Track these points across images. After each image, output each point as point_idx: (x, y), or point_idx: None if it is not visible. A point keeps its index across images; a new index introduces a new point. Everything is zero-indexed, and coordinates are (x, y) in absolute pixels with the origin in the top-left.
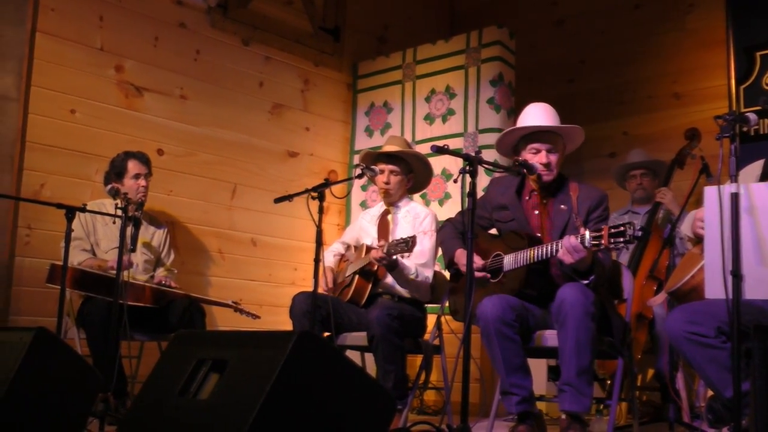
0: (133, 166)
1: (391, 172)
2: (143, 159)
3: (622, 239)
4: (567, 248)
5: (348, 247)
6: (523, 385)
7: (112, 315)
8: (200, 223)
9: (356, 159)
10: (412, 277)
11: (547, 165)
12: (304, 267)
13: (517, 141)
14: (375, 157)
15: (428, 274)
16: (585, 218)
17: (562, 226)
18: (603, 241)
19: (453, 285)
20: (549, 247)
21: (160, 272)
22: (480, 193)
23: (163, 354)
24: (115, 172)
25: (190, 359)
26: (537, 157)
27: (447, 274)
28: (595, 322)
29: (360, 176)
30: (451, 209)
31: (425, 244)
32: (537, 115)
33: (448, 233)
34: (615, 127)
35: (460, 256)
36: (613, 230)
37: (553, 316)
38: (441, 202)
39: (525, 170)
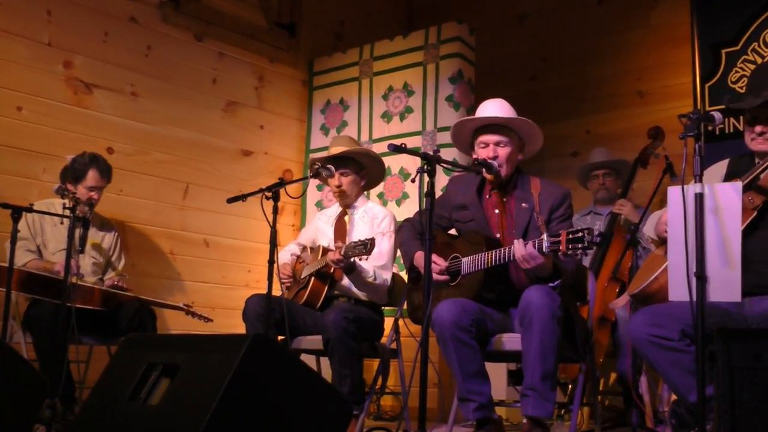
0: (92, 177)
1: (342, 174)
2: (106, 172)
3: (580, 245)
4: (522, 257)
5: (304, 249)
6: (481, 391)
7: (59, 318)
8: (151, 223)
9: (309, 160)
10: (370, 279)
11: (493, 159)
12: (258, 269)
13: (471, 137)
14: (322, 161)
15: (387, 276)
16: (547, 217)
17: (524, 225)
18: (561, 247)
19: (411, 286)
20: (507, 251)
21: (111, 275)
22: (438, 193)
23: (113, 358)
24: (74, 175)
25: (140, 364)
26: (485, 150)
27: (405, 276)
28: (561, 326)
29: (315, 176)
30: (409, 209)
31: (383, 245)
32: (489, 108)
33: (407, 234)
34: (577, 125)
35: (421, 257)
36: (571, 236)
37: (518, 318)
38: (399, 202)
39: (484, 168)
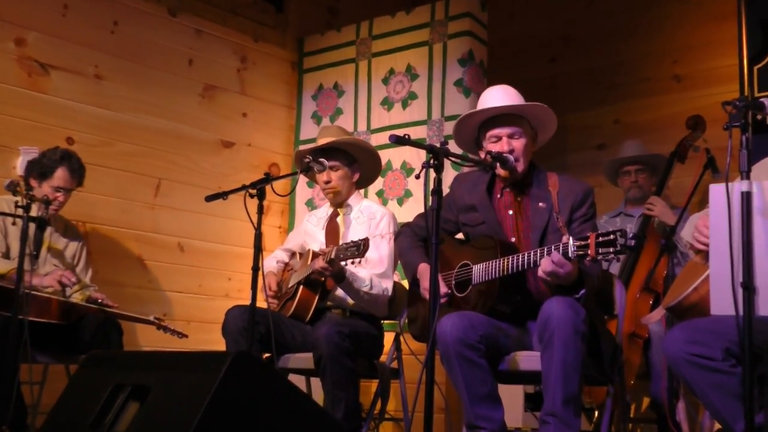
0: (60, 176)
1: (330, 168)
2: (77, 172)
3: (612, 250)
4: (551, 272)
5: (292, 255)
6: (492, 417)
7: (10, 333)
8: (118, 224)
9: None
10: (366, 289)
11: (509, 153)
12: (240, 276)
13: (476, 132)
14: (309, 153)
15: (387, 285)
16: (568, 217)
17: (541, 226)
18: (590, 252)
19: (412, 297)
20: (526, 258)
21: (79, 293)
22: (446, 191)
23: (72, 379)
24: (41, 170)
25: (105, 385)
26: (497, 145)
27: (407, 285)
28: (586, 342)
29: (306, 170)
30: (413, 209)
31: (382, 249)
32: (494, 97)
33: (407, 243)
34: (605, 114)
35: (425, 273)
36: (601, 238)
37: (538, 334)
38: (400, 201)
39: (498, 163)
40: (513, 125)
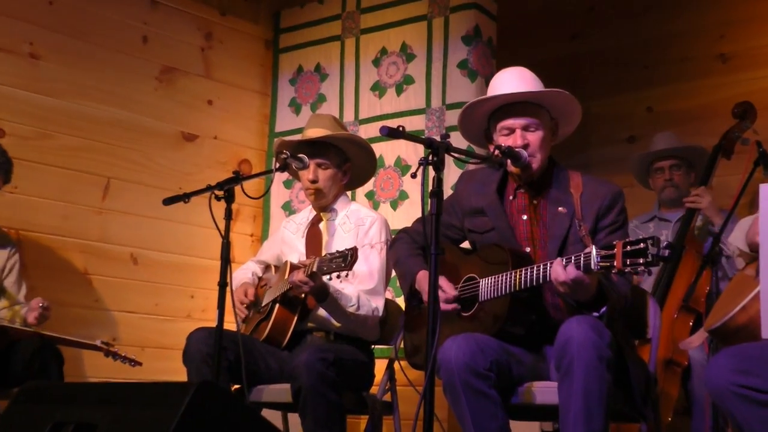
0: None
1: (318, 165)
2: (3, 167)
3: (642, 260)
4: (564, 282)
5: (267, 268)
6: None
7: None
8: (59, 232)
9: (274, 144)
10: (353, 309)
11: (523, 148)
12: (204, 294)
13: (486, 122)
14: (293, 147)
15: (377, 303)
16: (593, 225)
17: (561, 235)
18: (616, 263)
19: (409, 318)
20: (542, 271)
21: (7, 311)
22: (448, 192)
23: (2, 417)
24: None
25: (42, 423)
26: (510, 139)
27: (402, 303)
28: (612, 371)
29: (283, 168)
30: (409, 213)
31: (372, 261)
32: (506, 82)
33: (405, 250)
34: (636, 100)
35: (424, 280)
36: (629, 247)
37: (555, 361)
38: (394, 204)
39: (509, 159)
40: (528, 115)
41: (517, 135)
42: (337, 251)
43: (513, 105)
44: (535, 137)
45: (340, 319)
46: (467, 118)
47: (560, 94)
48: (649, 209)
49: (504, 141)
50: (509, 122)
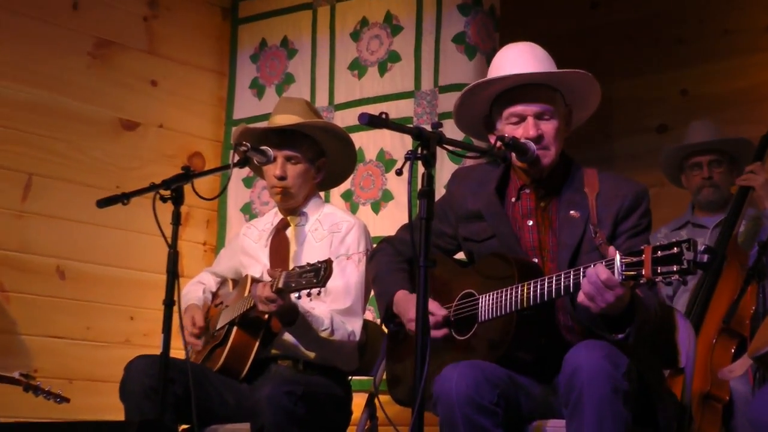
0: None
1: (288, 159)
2: None
3: (675, 268)
4: (600, 286)
5: (223, 282)
6: None
7: None
8: None
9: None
10: (325, 333)
11: (536, 140)
12: (146, 315)
13: (488, 108)
14: (258, 136)
15: (353, 326)
16: (611, 231)
17: (573, 244)
18: (644, 271)
19: (392, 345)
20: (554, 284)
21: None
22: (440, 191)
23: None
24: None
25: None
26: (520, 128)
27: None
28: (630, 407)
29: (243, 163)
30: (394, 218)
31: (349, 275)
32: (514, 60)
33: (385, 263)
34: (667, 82)
35: (404, 301)
36: (660, 252)
37: (562, 394)
38: (376, 207)
39: (513, 153)
40: (543, 101)
41: (528, 124)
42: (308, 264)
43: (524, 88)
44: (549, 127)
45: (310, 346)
46: (466, 103)
47: (584, 76)
48: (681, 213)
49: (512, 131)
50: (519, 108)
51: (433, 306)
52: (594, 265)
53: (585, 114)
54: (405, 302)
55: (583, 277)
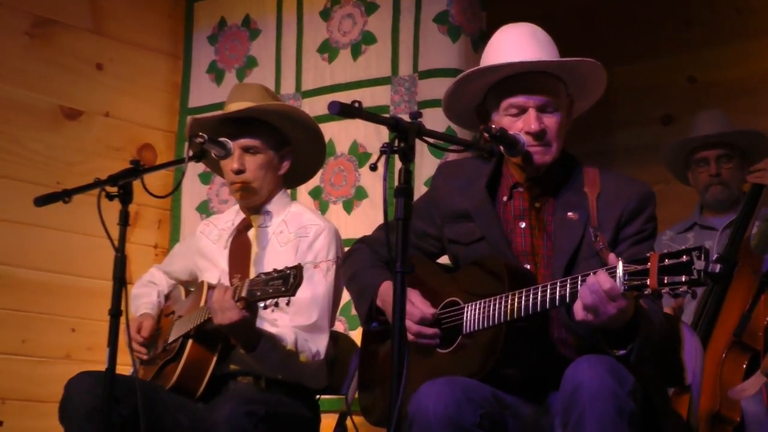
0: None
1: (245, 149)
2: None
3: (684, 278)
4: (593, 300)
5: (175, 286)
6: None
7: None
8: None
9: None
10: (289, 356)
11: (538, 135)
12: (89, 326)
13: (482, 97)
14: (213, 127)
15: (318, 346)
16: (613, 235)
17: (570, 249)
18: (649, 281)
19: (366, 356)
20: (548, 293)
21: None
22: (420, 189)
23: None
24: None
25: None
26: (519, 121)
27: (357, 338)
28: (636, 430)
29: (199, 156)
30: (368, 218)
31: (315, 286)
32: (514, 44)
33: (363, 260)
34: (673, 67)
35: (389, 293)
36: (668, 261)
37: (561, 414)
38: (349, 206)
39: (502, 147)
40: (546, 92)
41: (530, 117)
42: (275, 270)
43: (525, 76)
44: (552, 121)
45: (272, 367)
46: (458, 92)
47: (593, 65)
48: (688, 214)
49: (510, 123)
50: (521, 100)
51: (419, 300)
52: (595, 273)
53: (586, 104)
54: (391, 294)
55: (582, 285)
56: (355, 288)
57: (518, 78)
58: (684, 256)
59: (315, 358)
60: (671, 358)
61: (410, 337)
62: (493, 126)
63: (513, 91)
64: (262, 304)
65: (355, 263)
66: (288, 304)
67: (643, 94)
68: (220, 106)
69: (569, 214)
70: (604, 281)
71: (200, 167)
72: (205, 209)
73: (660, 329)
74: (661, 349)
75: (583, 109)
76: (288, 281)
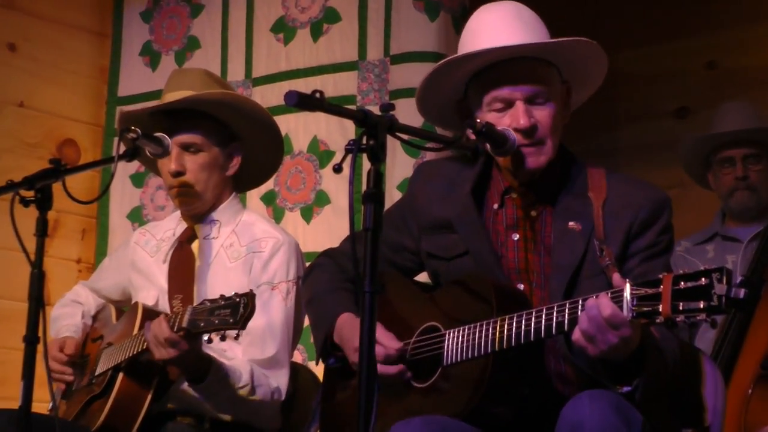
0: None
1: (185, 147)
2: None
3: (702, 305)
4: (590, 327)
5: (101, 309)
6: None
7: None
8: None
9: (117, 118)
10: (244, 392)
11: (528, 132)
12: (1, 355)
13: (463, 92)
14: (147, 120)
15: (279, 382)
16: (621, 249)
17: (572, 265)
18: (662, 308)
19: (328, 392)
20: (543, 319)
21: None
22: (393, 195)
23: None
24: None
25: None
26: (506, 116)
27: (320, 371)
28: None
29: (131, 155)
30: (331, 228)
31: (274, 312)
32: (494, 26)
33: (325, 281)
34: (691, 52)
35: (349, 327)
36: (684, 284)
37: None
38: (308, 214)
39: (489, 145)
40: (534, 81)
41: (518, 111)
42: (222, 297)
43: (510, 64)
44: (544, 114)
45: (221, 407)
46: (432, 85)
47: (588, 45)
48: (707, 222)
49: (496, 120)
50: (506, 91)
51: (383, 335)
52: (597, 296)
53: (585, 93)
54: (350, 328)
55: (582, 310)
56: (312, 315)
57: (501, 66)
58: (702, 279)
59: (274, 396)
60: (688, 394)
61: (381, 369)
62: (477, 122)
63: (496, 83)
64: (205, 337)
65: (315, 283)
66: (237, 338)
67: (653, 83)
68: (156, 95)
69: (570, 223)
70: (604, 306)
71: (132, 167)
72: (137, 217)
73: (673, 361)
74: (675, 384)
75: (581, 101)
76: (237, 311)
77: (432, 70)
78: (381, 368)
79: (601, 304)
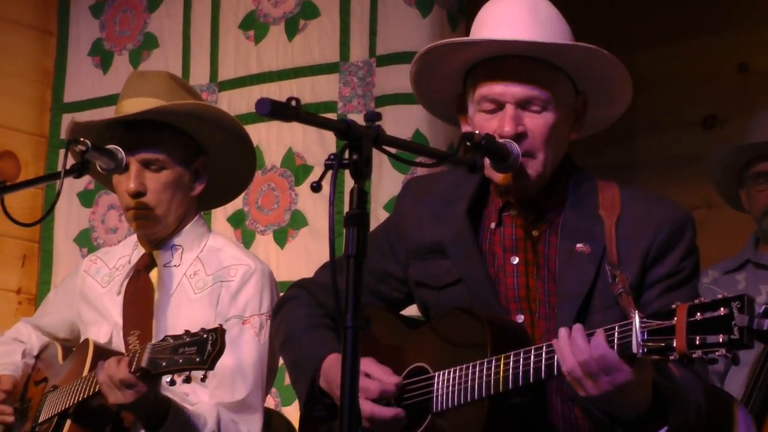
0: None
1: (145, 164)
2: None
3: (721, 339)
4: (581, 365)
5: (47, 346)
6: None
7: None
8: None
9: (66, 128)
10: None
11: (515, 140)
12: None
13: (461, 86)
14: (99, 132)
15: (249, 429)
16: (637, 277)
17: (580, 294)
18: (676, 343)
19: None
20: (544, 357)
21: None
22: (380, 215)
23: None
24: None
25: None
26: (494, 119)
27: (295, 417)
28: None
29: (79, 171)
30: (308, 253)
31: (245, 350)
32: (502, 18)
33: (302, 317)
34: (719, 54)
35: (337, 369)
36: (699, 314)
37: None
38: (281, 237)
39: (489, 158)
40: (531, 81)
41: (506, 114)
42: (187, 334)
43: (507, 60)
44: (538, 123)
45: None
46: (431, 70)
47: (602, 55)
48: (738, 248)
49: (483, 122)
50: (497, 90)
51: (377, 369)
52: (595, 334)
53: (613, 110)
54: (339, 370)
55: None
56: (291, 358)
57: (498, 62)
58: (721, 308)
59: None
60: None
61: (364, 423)
62: (476, 132)
63: (488, 76)
64: (168, 378)
65: (290, 320)
66: (203, 379)
67: (677, 89)
68: (107, 100)
69: (578, 245)
70: (596, 345)
71: (80, 184)
72: (86, 241)
73: (697, 411)
74: (703, 430)
75: (610, 119)
76: (204, 349)
77: (429, 46)
78: (376, 411)
79: (597, 341)
